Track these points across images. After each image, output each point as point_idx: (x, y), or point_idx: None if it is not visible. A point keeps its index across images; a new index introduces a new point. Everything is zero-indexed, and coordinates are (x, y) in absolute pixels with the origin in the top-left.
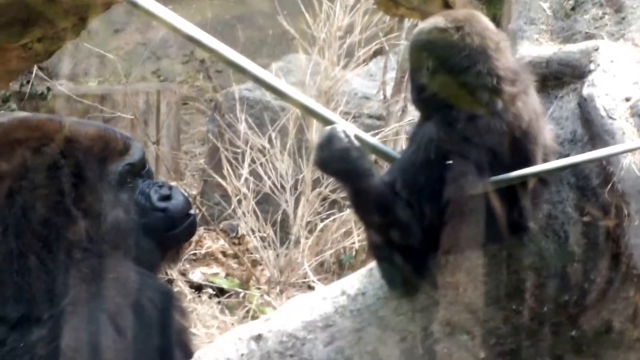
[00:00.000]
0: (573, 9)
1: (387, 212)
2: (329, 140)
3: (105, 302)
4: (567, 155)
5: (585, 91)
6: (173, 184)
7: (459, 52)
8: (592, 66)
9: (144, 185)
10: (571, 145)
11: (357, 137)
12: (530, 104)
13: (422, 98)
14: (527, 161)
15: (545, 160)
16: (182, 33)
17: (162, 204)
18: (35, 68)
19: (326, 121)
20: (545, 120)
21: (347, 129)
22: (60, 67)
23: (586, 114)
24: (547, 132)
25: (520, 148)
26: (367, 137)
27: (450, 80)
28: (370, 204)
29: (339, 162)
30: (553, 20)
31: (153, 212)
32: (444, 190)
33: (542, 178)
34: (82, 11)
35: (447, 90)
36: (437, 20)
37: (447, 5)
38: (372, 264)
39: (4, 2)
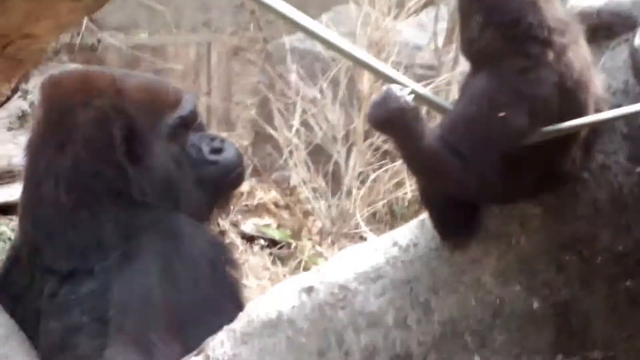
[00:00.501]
0: None
1: (440, 167)
2: (385, 99)
3: (156, 254)
4: (619, 106)
5: (637, 41)
6: (224, 135)
7: (508, 3)
8: None
9: (196, 138)
10: (623, 95)
11: (410, 90)
12: (581, 54)
13: (473, 50)
14: (580, 111)
15: (597, 110)
16: None
17: (213, 157)
18: (85, 20)
19: (377, 72)
20: (596, 71)
21: (404, 89)
22: (111, 18)
23: (637, 64)
24: (598, 82)
25: (572, 98)
26: (419, 88)
27: (501, 32)
28: (423, 160)
29: (393, 122)
30: None
31: (204, 165)
32: (496, 142)
33: (594, 128)
34: None
35: (498, 42)
36: None
37: None
38: (424, 215)
39: None
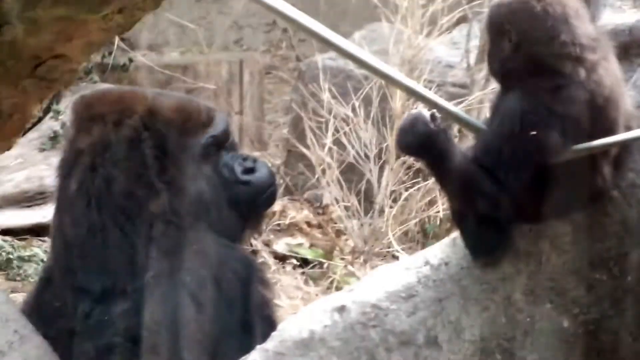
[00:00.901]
0: None
1: (473, 188)
2: (412, 124)
3: (188, 274)
4: None
5: None
6: (257, 154)
7: (542, 22)
8: None
9: (228, 158)
10: None
11: (440, 107)
12: (611, 70)
13: (505, 70)
14: (610, 129)
15: (627, 128)
16: (262, 3)
17: (246, 177)
18: (116, 39)
19: (409, 91)
20: (627, 87)
21: (433, 111)
22: (142, 38)
23: None
24: (628, 99)
25: (602, 116)
26: (451, 106)
27: (534, 51)
28: (456, 182)
29: (424, 147)
30: None
31: (237, 185)
32: (528, 160)
33: (624, 145)
34: None
35: (531, 61)
36: None
37: None
38: (456, 234)
39: None
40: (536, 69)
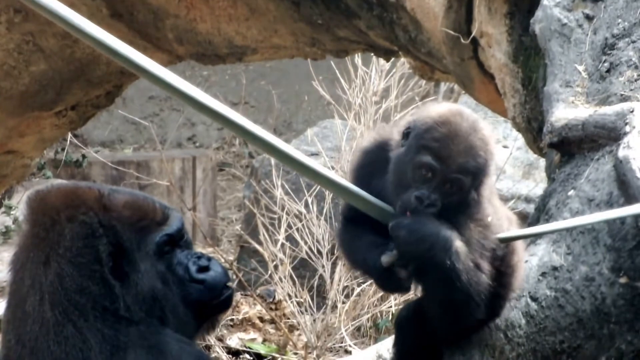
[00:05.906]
0: (608, 71)
1: None
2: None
3: None
4: None
5: (621, 153)
6: (209, 250)
7: None
8: (627, 128)
9: (182, 256)
10: (607, 207)
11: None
12: None
13: None
14: None
15: None
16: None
17: (200, 276)
18: (69, 135)
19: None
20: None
21: None
22: (96, 134)
23: (622, 175)
24: None
25: None
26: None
27: None
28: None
29: None
30: (588, 83)
31: (191, 283)
32: None
33: None
34: (117, 78)
35: None
36: None
37: (482, 68)
38: None
39: (36, 70)
40: None
